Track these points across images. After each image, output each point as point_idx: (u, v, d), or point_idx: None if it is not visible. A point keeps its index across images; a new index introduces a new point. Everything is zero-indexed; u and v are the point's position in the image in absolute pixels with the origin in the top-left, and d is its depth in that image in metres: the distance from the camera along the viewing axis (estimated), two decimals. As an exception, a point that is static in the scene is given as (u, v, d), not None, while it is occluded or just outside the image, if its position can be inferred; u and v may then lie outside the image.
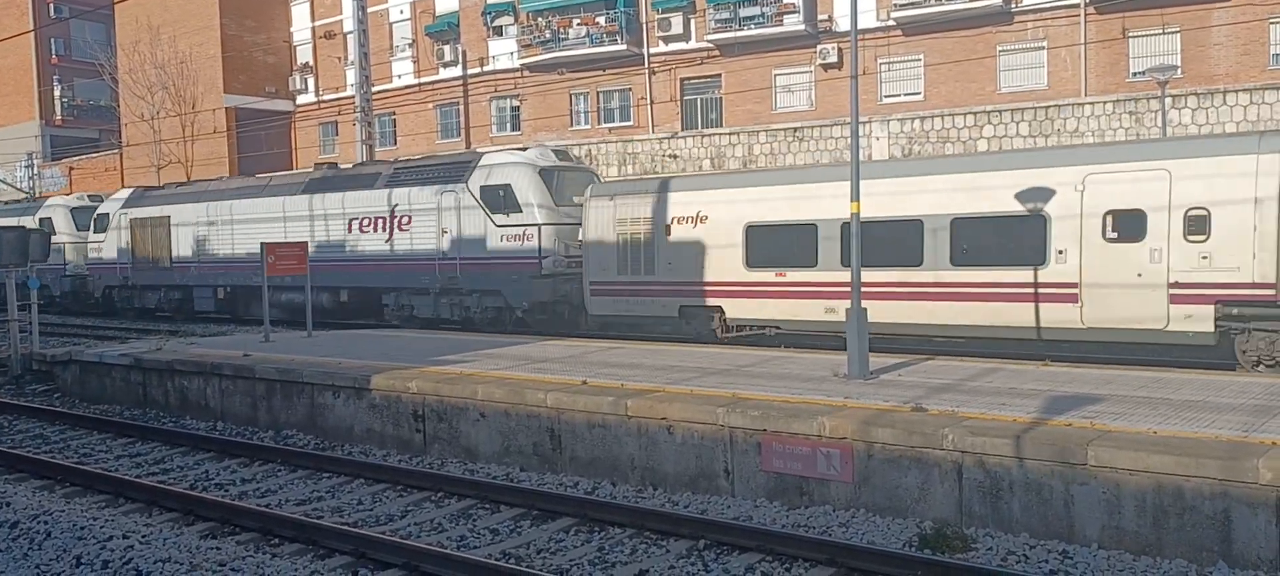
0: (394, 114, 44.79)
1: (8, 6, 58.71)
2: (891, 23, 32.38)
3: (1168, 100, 23.84)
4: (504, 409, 12.20)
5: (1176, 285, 14.03)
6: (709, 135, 32.09)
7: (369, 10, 41.32)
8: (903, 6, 31.78)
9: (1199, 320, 13.91)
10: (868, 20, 32.25)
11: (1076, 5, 29.92)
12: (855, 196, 12.72)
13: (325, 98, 47.30)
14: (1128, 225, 14.35)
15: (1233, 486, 7.86)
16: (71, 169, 55.47)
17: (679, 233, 18.90)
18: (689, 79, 37.00)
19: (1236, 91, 24.42)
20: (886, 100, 32.80)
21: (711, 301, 18.59)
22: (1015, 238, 15.24)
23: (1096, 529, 8.44)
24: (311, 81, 47.72)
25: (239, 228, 27.77)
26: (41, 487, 11.67)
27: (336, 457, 12.43)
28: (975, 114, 27.76)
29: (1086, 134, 25.81)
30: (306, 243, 21.11)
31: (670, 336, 19.39)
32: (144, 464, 12.99)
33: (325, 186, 26.07)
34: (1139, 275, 14.26)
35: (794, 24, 33.76)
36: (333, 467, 12.15)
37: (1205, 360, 14.88)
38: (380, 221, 24.33)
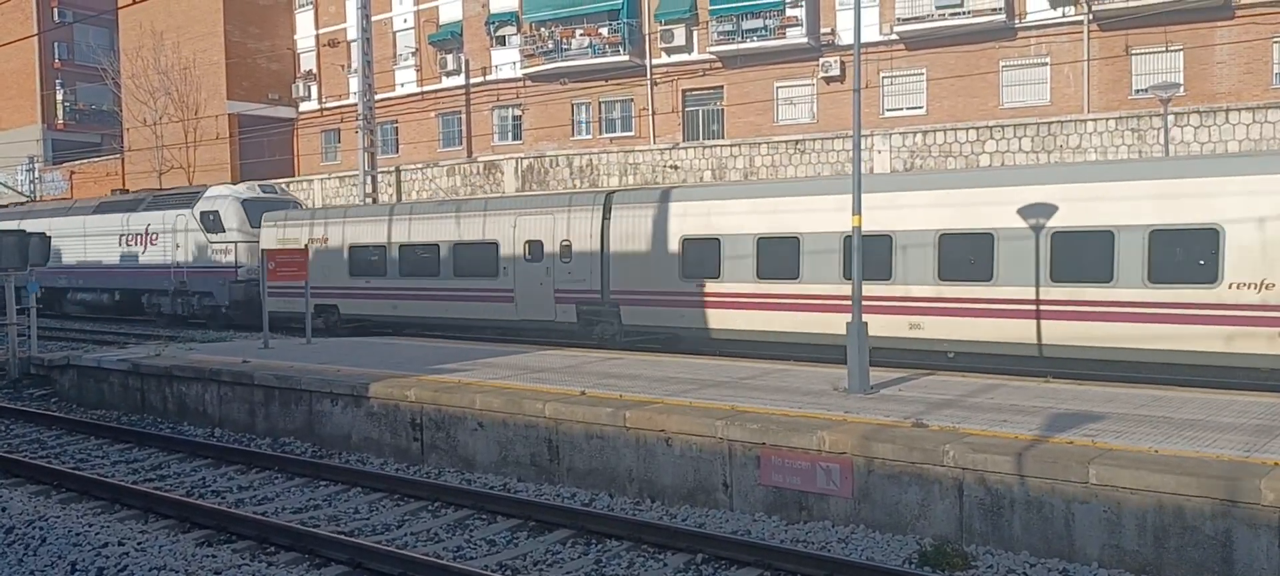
0: (397, 122, 44.83)
1: (12, 10, 58.83)
2: (894, 37, 32.41)
3: (1170, 118, 23.84)
4: (502, 418, 12.16)
5: (559, 291, 21.15)
6: (710, 146, 32.09)
7: (373, 19, 41.35)
8: (906, 21, 31.81)
9: (570, 314, 21.05)
10: (870, 34, 32.28)
11: (1079, 22, 29.96)
12: (856, 210, 12.69)
13: (328, 105, 47.33)
14: (535, 251, 21.51)
15: (1234, 507, 7.81)
16: (72, 173, 55.49)
17: (315, 249, 25.36)
18: (691, 90, 37.02)
19: (1239, 110, 24.41)
20: (888, 114, 32.81)
21: (332, 300, 25.47)
22: (484, 258, 22.38)
23: (1097, 548, 8.39)
24: (315, 89, 47.77)
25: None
26: (38, 493, 11.62)
27: (334, 465, 12.39)
28: (977, 128, 27.76)
29: (1089, 150, 25.80)
30: (307, 249, 21.41)
31: (669, 348, 19.59)
32: (140, 470, 12.94)
33: (108, 209, 32.96)
34: (541, 284, 21.40)
35: (796, 37, 33.79)
36: (330, 475, 12.11)
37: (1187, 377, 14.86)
38: (138, 238, 31.24)
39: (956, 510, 9.05)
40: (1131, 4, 28.48)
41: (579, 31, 38.25)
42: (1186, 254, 14.32)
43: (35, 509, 10.13)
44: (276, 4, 48.54)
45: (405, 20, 44.59)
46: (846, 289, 16.34)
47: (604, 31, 37.71)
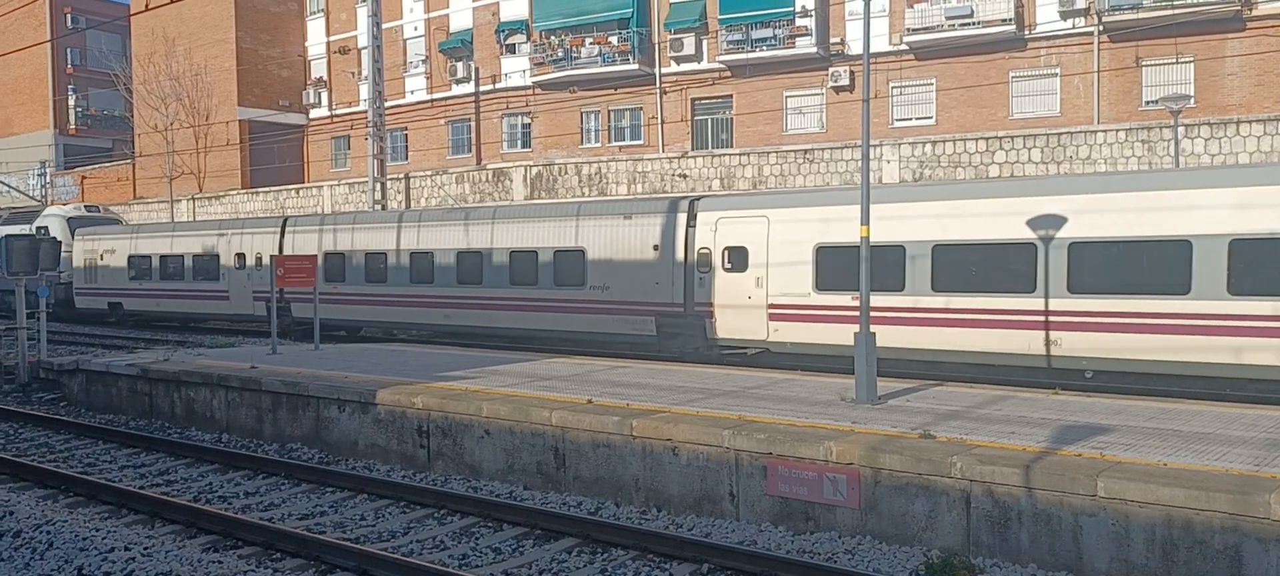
0: (406, 129, 44.95)
1: (25, 16, 59.20)
2: (904, 47, 32.40)
3: (1181, 129, 23.77)
4: (508, 426, 12.16)
5: (256, 292, 28.13)
6: (719, 155, 32.11)
7: (384, 26, 41.52)
8: (915, 31, 31.80)
9: (262, 308, 27.68)
10: (880, 44, 32.29)
11: (1089, 33, 29.91)
12: (865, 221, 12.68)
13: (338, 112, 47.49)
14: (241, 261, 28.82)
15: (1244, 521, 7.77)
16: (84, 178, 55.76)
17: (106, 259, 33.14)
18: (700, 99, 37.06)
19: (1250, 121, 24.34)
20: (898, 124, 32.79)
21: (118, 299, 32.98)
22: (211, 266, 29.89)
23: (1105, 561, 8.35)
24: (325, 96, 47.94)
25: None
26: (45, 497, 11.65)
27: (340, 472, 12.39)
28: (987, 139, 27.72)
29: (1099, 162, 25.74)
30: (316, 256, 21.93)
31: (675, 357, 19.62)
32: (148, 475, 12.97)
33: None
34: (244, 286, 28.65)
35: (806, 46, 33.80)
36: (336, 482, 12.12)
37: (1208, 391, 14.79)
38: None
39: (964, 522, 9.01)
40: (1142, 15, 28.43)
41: (589, 40, 38.31)
42: (570, 266, 21.38)
43: (43, 513, 10.15)
44: (288, 11, 48.76)
45: (416, 28, 44.73)
46: (394, 292, 24.64)
47: (614, 40, 37.77)
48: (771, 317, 18.04)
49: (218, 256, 29.53)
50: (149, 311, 32.26)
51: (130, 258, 32.29)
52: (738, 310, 18.50)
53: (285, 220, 27.98)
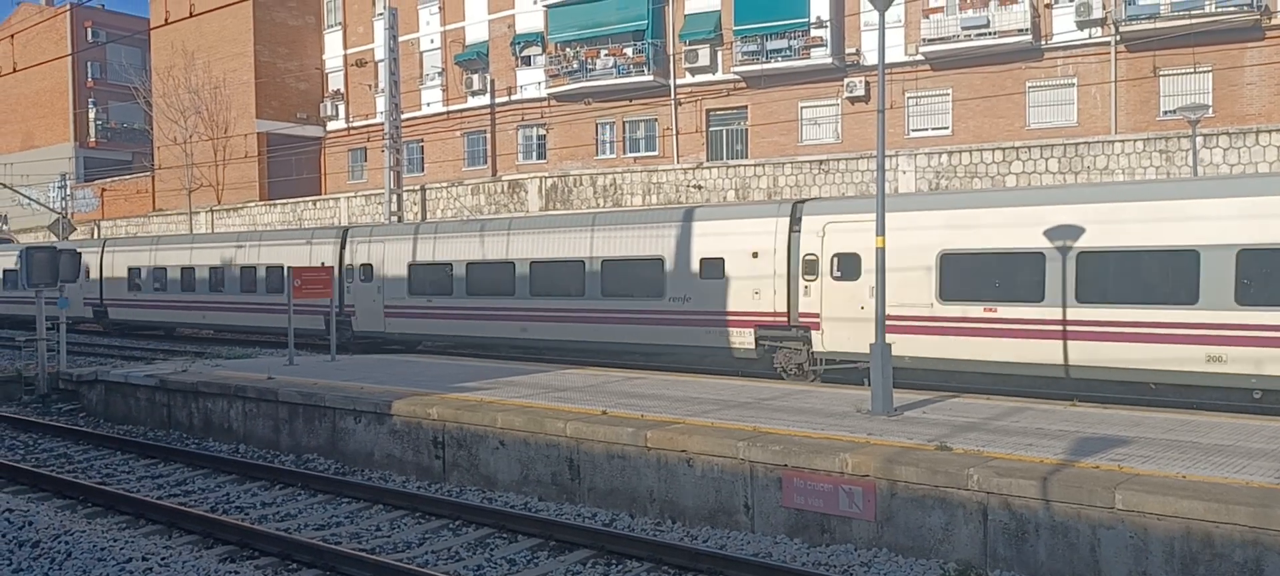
0: (423, 141, 45.15)
1: (46, 30, 59.84)
2: (920, 57, 32.34)
3: (1199, 139, 23.62)
4: (523, 437, 12.17)
5: (86, 299, 33.52)
6: (734, 166, 32.11)
7: (400, 39, 41.77)
8: (931, 41, 31.74)
9: (89, 312, 34.08)
10: (896, 54, 32.24)
11: (1106, 43, 29.79)
12: (880, 231, 12.64)
13: (355, 124, 47.76)
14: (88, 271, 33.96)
15: (1265, 534, 7.69)
16: (103, 190, 56.24)
17: None
18: (715, 110, 37.08)
19: (1270, 131, 24.16)
20: (914, 134, 32.71)
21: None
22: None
23: (1123, 574, 8.27)
24: (342, 108, 48.22)
25: None
26: (64, 507, 11.72)
27: (356, 483, 12.43)
28: (1004, 149, 27.63)
29: (1116, 172, 25.59)
30: (333, 267, 22.21)
31: (691, 368, 19.57)
32: (166, 485, 13.04)
33: None
34: (78, 293, 32.03)
35: (821, 57, 33.79)
36: (352, 493, 12.15)
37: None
38: None
39: (980, 534, 8.96)
40: (1159, 25, 28.30)
41: (604, 52, 38.42)
42: (275, 278, 27.47)
43: (61, 523, 10.21)
44: (305, 25, 49.11)
45: (432, 40, 44.96)
46: (170, 298, 31.24)
47: (629, 52, 37.87)
48: (386, 315, 25.12)
49: (89, 266, 34.55)
50: (7, 315, 37.81)
51: (4, 271, 37.99)
52: (369, 309, 25.57)
53: (105, 241, 34.76)
